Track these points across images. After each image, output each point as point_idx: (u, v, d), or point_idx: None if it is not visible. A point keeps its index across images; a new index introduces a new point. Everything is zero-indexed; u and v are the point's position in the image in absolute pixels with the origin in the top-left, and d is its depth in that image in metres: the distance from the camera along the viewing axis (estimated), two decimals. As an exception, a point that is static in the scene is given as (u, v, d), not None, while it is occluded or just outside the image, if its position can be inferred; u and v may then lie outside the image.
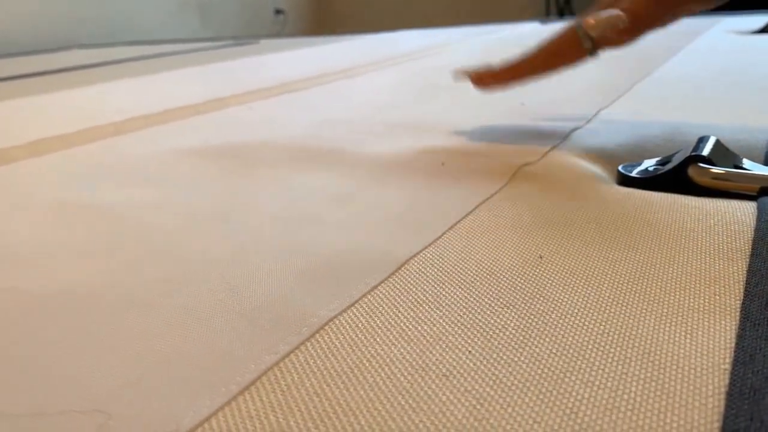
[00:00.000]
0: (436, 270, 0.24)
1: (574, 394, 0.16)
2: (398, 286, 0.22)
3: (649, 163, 0.34)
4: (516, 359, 0.17)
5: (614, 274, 0.22)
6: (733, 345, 0.17)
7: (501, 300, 0.21)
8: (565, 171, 0.34)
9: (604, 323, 0.19)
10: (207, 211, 0.32)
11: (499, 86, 0.40)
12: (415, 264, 0.24)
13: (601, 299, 0.21)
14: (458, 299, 0.21)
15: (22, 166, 0.43)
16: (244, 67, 0.99)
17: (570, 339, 0.18)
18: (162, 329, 0.20)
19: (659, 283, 0.21)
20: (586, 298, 0.21)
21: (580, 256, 0.24)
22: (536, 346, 0.18)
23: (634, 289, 0.21)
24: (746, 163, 0.32)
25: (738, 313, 0.19)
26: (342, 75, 0.80)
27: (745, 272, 0.22)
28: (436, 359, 0.18)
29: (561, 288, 0.21)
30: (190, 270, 0.25)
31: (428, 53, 1.00)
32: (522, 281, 0.22)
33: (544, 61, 0.39)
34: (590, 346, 0.18)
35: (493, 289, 0.22)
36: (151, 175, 0.39)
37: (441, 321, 0.20)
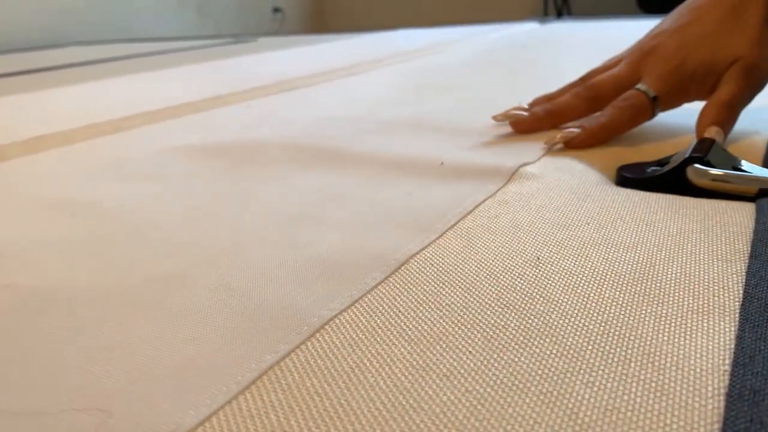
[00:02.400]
0: (435, 270, 0.24)
1: (574, 394, 0.16)
2: (398, 286, 0.22)
3: (648, 165, 0.34)
4: (516, 360, 0.17)
5: (614, 275, 0.22)
6: (732, 346, 0.17)
7: (501, 300, 0.21)
8: (564, 171, 0.34)
9: (604, 324, 0.19)
10: (206, 209, 0.32)
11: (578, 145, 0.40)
12: (415, 264, 0.24)
13: (600, 300, 0.21)
14: (458, 299, 0.21)
15: (19, 164, 0.43)
16: (242, 64, 0.99)
17: (570, 340, 0.18)
18: (162, 328, 0.20)
19: (659, 284, 0.21)
20: (585, 299, 0.21)
21: (579, 257, 0.24)
22: (537, 347, 0.18)
23: (633, 290, 0.21)
24: (745, 165, 0.32)
25: (737, 315, 0.19)
26: (341, 73, 0.80)
27: (744, 274, 0.22)
28: (437, 359, 0.18)
29: (561, 289, 0.22)
30: (189, 268, 0.25)
31: (427, 52, 1.00)
32: (522, 282, 0.22)
33: (618, 125, 0.40)
34: (590, 347, 0.18)
35: (492, 290, 0.22)
36: (149, 173, 0.39)
37: (441, 321, 0.20)
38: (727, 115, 0.38)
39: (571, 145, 0.39)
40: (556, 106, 0.43)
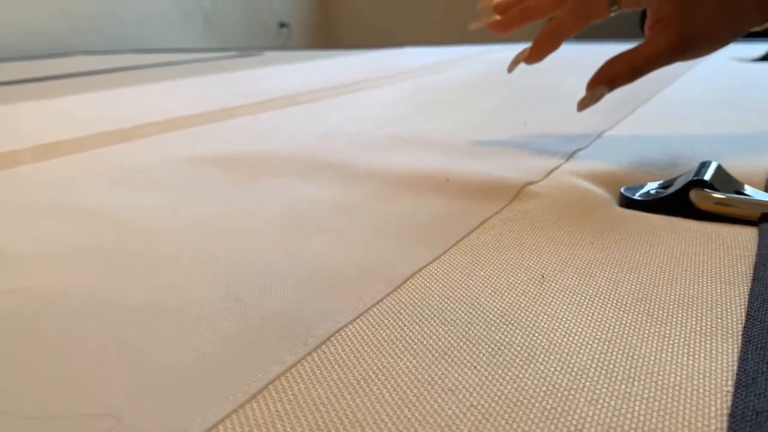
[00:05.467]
0: (440, 285, 0.24)
1: (578, 411, 0.16)
2: (403, 301, 0.23)
3: (651, 186, 0.34)
4: (521, 376, 0.18)
5: (617, 295, 0.23)
6: (735, 368, 0.18)
7: (505, 317, 0.21)
8: (568, 191, 0.35)
9: (607, 343, 0.19)
10: (213, 219, 0.32)
11: (537, 55, 0.42)
12: (420, 279, 0.24)
13: (604, 319, 0.21)
14: (463, 315, 0.21)
15: (30, 170, 0.44)
16: (249, 78, 1.00)
17: (574, 357, 0.18)
18: (169, 336, 0.20)
19: (662, 305, 0.22)
20: (589, 318, 0.21)
21: (583, 276, 0.24)
22: (541, 364, 0.18)
23: (636, 309, 0.21)
24: (747, 189, 0.32)
25: (740, 337, 0.19)
26: (347, 89, 0.81)
27: (746, 296, 0.22)
28: (442, 373, 0.18)
29: (565, 307, 0.22)
30: (196, 278, 0.25)
31: (433, 70, 1.01)
32: (526, 299, 0.22)
33: (564, 29, 0.40)
34: (594, 365, 0.18)
35: (497, 306, 0.22)
36: (156, 183, 0.39)
37: (446, 336, 0.20)
38: (633, 75, 0.39)
39: (528, 61, 0.40)
40: (529, 2, 0.43)
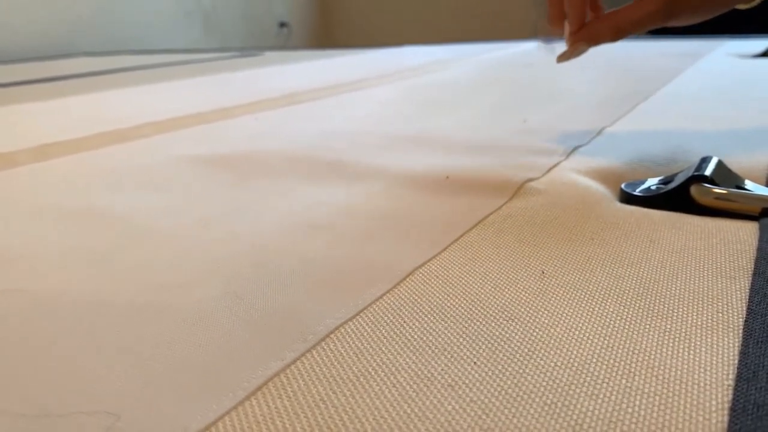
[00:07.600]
0: (440, 282, 0.24)
1: (579, 406, 0.16)
2: (403, 297, 0.23)
3: (652, 182, 0.34)
4: (521, 371, 0.18)
5: (618, 290, 0.23)
6: (736, 362, 0.18)
7: (506, 312, 0.21)
8: (568, 187, 0.35)
9: (608, 337, 0.19)
10: (213, 218, 0.32)
11: None
12: (420, 275, 0.24)
13: (605, 314, 0.21)
14: (463, 311, 0.21)
15: (29, 170, 0.44)
16: (249, 78, 1.00)
17: (575, 352, 0.18)
18: (170, 334, 0.20)
19: (662, 300, 0.22)
20: (590, 313, 0.21)
21: (584, 272, 0.24)
22: (541, 359, 0.18)
23: (637, 304, 0.21)
24: (748, 184, 0.32)
25: (741, 331, 0.19)
26: (347, 88, 0.81)
27: (747, 291, 0.22)
28: (442, 369, 0.18)
29: (565, 302, 0.22)
30: (196, 276, 0.25)
31: (432, 69, 1.01)
32: (526, 295, 0.22)
33: None
34: (594, 360, 0.18)
35: (497, 302, 0.22)
36: (156, 182, 0.39)
37: (446, 332, 0.20)
38: (617, 35, 0.40)
39: None
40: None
